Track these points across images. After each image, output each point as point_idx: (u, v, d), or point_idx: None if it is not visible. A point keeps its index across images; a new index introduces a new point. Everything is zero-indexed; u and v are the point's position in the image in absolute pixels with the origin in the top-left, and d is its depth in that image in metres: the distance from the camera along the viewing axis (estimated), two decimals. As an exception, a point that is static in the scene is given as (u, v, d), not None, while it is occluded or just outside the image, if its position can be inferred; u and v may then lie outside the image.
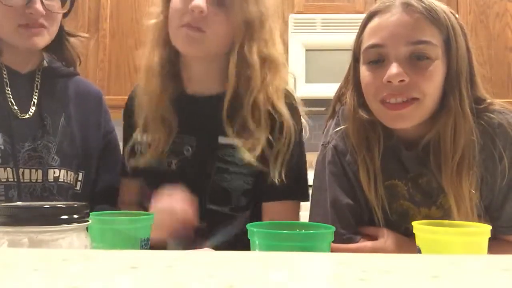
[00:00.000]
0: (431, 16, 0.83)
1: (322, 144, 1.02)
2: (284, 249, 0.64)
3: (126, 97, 1.16)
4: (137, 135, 1.06)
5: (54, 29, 1.03)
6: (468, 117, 0.85)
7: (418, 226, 0.73)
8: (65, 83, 1.11)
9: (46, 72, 1.09)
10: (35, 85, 1.06)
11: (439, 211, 0.91)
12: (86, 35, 1.17)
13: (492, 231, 0.71)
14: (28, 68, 1.07)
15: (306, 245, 0.66)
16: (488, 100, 0.91)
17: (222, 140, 1.01)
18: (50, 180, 1.01)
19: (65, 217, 0.49)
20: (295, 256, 0.46)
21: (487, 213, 0.89)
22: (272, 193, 1.02)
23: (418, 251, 0.73)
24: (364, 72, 0.89)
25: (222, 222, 0.99)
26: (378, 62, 0.86)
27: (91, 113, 1.15)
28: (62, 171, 1.03)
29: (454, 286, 0.34)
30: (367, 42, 0.88)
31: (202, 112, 1.04)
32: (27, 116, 1.02)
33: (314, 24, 2.43)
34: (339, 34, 2.32)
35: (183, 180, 0.98)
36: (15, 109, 1.02)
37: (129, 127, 1.11)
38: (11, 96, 1.02)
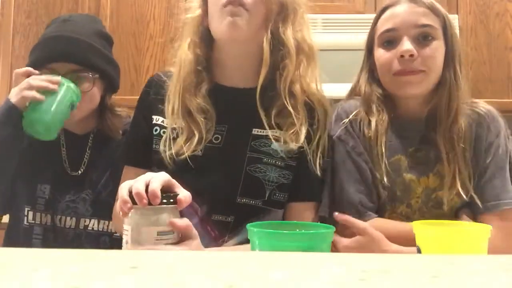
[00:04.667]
0: (433, 8, 1.04)
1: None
2: (284, 249, 0.64)
3: (126, 97, 1.15)
4: (169, 123, 1.02)
5: (86, 105, 1.14)
6: (460, 86, 1.03)
7: (418, 226, 0.73)
8: (117, 143, 1.21)
9: (99, 134, 1.22)
10: (87, 147, 1.21)
11: (436, 177, 1.02)
12: (120, 109, 1.26)
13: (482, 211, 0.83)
14: (85, 130, 1.21)
15: (306, 245, 0.67)
16: (473, 99, 1.08)
17: (256, 131, 1.01)
18: (80, 228, 1.16)
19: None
20: (295, 256, 0.46)
21: (476, 190, 0.99)
22: (302, 193, 1.01)
23: (418, 251, 0.73)
24: (380, 52, 1.05)
25: (253, 217, 0.95)
26: (392, 43, 1.03)
27: None
28: (93, 220, 1.17)
29: (454, 286, 0.34)
30: (381, 28, 1.05)
31: (234, 103, 1.03)
32: (76, 174, 1.18)
33: (314, 24, 2.43)
34: (339, 34, 2.32)
35: (211, 169, 0.97)
36: (67, 167, 1.18)
37: (147, 113, 1.06)
38: (65, 155, 1.19)
